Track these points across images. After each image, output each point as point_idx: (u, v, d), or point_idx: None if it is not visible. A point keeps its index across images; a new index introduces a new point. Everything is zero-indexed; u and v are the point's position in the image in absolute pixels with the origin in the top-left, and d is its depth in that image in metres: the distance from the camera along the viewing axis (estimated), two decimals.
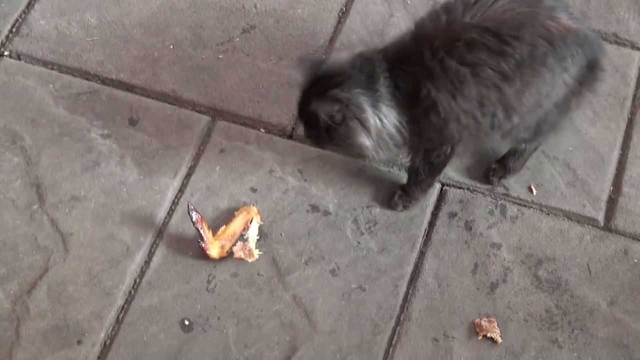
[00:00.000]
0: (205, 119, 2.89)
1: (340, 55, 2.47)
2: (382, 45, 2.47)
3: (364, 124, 2.34)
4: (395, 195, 2.70)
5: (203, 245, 2.60)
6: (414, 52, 2.30)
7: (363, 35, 3.04)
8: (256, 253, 2.62)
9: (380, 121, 2.34)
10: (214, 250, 2.61)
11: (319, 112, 2.34)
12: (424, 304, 2.59)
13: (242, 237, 2.64)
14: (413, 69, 2.30)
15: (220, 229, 2.64)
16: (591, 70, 2.38)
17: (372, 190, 2.76)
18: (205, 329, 2.55)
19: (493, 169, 2.72)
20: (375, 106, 2.33)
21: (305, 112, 2.43)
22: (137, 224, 2.70)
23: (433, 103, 2.30)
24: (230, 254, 2.62)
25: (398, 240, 2.67)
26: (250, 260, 2.61)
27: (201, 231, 2.60)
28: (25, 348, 2.52)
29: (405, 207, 2.69)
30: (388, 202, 2.71)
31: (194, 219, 2.60)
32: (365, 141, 2.37)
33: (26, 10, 3.11)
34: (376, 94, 2.33)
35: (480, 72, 2.24)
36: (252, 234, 2.64)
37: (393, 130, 2.38)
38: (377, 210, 2.71)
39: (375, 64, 2.35)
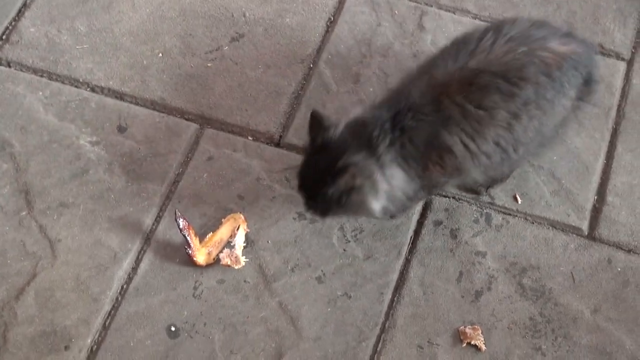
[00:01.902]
0: (193, 126, 2.90)
1: (354, 111, 2.47)
2: (385, 99, 2.47)
3: (374, 188, 2.37)
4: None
5: (190, 252, 2.61)
6: (426, 101, 2.33)
7: (351, 44, 3.06)
8: (243, 260, 2.64)
9: (388, 183, 2.38)
10: (200, 257, 2.62)
11: (338, 185, 2.34)
12: (409, 311, 2.60)
13: (229, 244, 2.66)
14: (426, 118, 2.33)
15: (207, 236, 2.66)
16: (587, 85, 2.47)
17: None
18: (191, 335, 2.56)
19: None
20: (382, 169, 2.36)
21: (311, 186, 2.44)
22: (124, 230, 2.71)
23: (448, 148, 2.33)
24: (217, 260, 2.64)
25: (384, 248, 2.69)
26: (236, 267, 2.63)
27: (188, 238, 2.62)
28: (12, 353, 2.53)
29: (392, 217, 2.70)
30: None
31: (181, 226, 2.62)
32: (376, 205, 2.41)
33: (16, 18, 3.12)
34: (380, 157, 2.35)
35: (496, 115, 2.31)
36: (239, 241, 2.65)
37: (402, 189, 2.41)
38: (363, 218, 2.73)
39: (376, 125, 2.35)
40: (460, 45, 2.41)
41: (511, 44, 2.33)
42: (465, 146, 2.33)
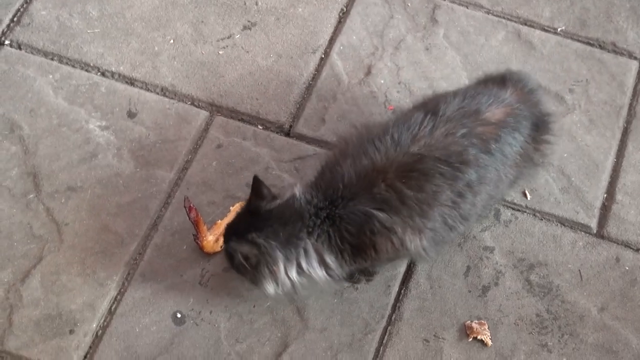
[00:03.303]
0: (203, 114, 2.90)
1: (292, 190, 2.42)
2: (321, 180, 2.42)
3: (273, 275, 2.36)
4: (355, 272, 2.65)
5: (198, 239, 2.61)
6: (363, 185, 2.31)
7: (363, 36, 3.05)
8: None
9: (293, 274, 2.36)
10: (208, 245, 2.62)
11: (236, 251, 2.34)
12: (416, 304, 2.60)
13: None
14: (360, 204, 2.31)
15: (215, 224, 2.65)
16: (540, 127, 2.47)
17: None
18: (197, 322, 2.56)
19: None
20: (289, 260, 2.34)
21: (227, 239, 2.44)
22: (132, 216, 2.71)
23: (387, 231, 2.31)
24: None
25: None
26: None
27: (197, 226, 2.61)
28: (17, 336, 2.53)
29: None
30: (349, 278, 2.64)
31: (190, 214, 2.61)
32: (270, 289, 2.39)
33: (28, 0, 3.11)
34: (299, 246, 2.33)
35: (439, 196, 2.31)
36: None
37: (311, 279, 2.38)
38: None
39: (305, 214, 2.34)
40: (402, 127, 2.36)
41: (449, 126, 2.32)
42: (403, 229, 2.31)
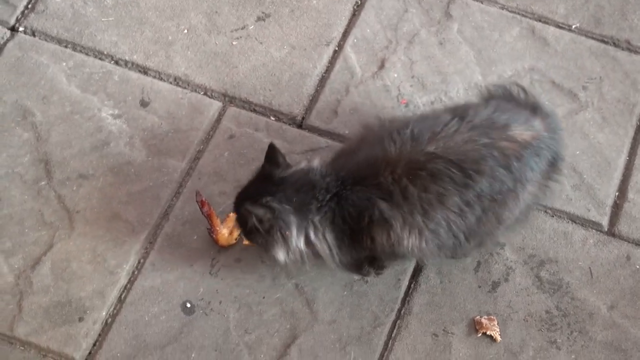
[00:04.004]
0: (216, 104, 2.90)
1: (310, 162, 2.45)
2: (338, 159, 2.48)
3: (285, 241, 2.37)
4: (365, 263, 2.63)
5: (212, 233, 2.61)
6: (371, 173, 2.33)
7: (377, 29, 3.05)
8: None
9: (301, 243, 2.38)
10: (222, 238, 2.61)
11: (251, 213, 2.35)
12: (425, 298, 2.60)
13: None
14: (366, 189, 2.33)
15: (228, 216, 2.65)
16: (554, 164, 2.45)
17: None
18: (206, 312, 2.56)
19: None
20: (300, 227, 2.36)
21: (237, 204, 2.47)
22: (143, 204, 2.71)
23: (385, 222, 2.31)
24: (239, 241, 2.63)
25: None
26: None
27: (210, 219, 2.61)
28: (26, 322, 2.53)
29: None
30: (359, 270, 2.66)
31: (202, 208, 2.61)
32: (280, 256, 2.40)
33: None
34: (309, 218, 2.36)
35: (445, 200, 2.29)
36: None
37: (316, 252, 2.40)
38: None
39: (318, 187, 2.36)
40: (424, 125, 2.36)
41: (472, 133, 2.31)
42: (406, 222, 2.31)
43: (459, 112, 2.38)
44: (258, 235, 2.39)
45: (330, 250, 2.39)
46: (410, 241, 2.33)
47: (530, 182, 2.37)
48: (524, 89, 2.59)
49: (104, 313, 2.56)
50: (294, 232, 2.35)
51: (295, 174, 2.41)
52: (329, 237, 2.38)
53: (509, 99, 2.56)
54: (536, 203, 2.55)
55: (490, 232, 2.44)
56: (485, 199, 2.30)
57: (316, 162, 2.43)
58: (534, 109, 2.48)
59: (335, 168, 2.41)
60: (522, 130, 2.34)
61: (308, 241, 2.37)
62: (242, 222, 2.43)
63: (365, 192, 2.32)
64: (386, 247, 2.36)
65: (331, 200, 2.35)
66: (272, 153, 2.43)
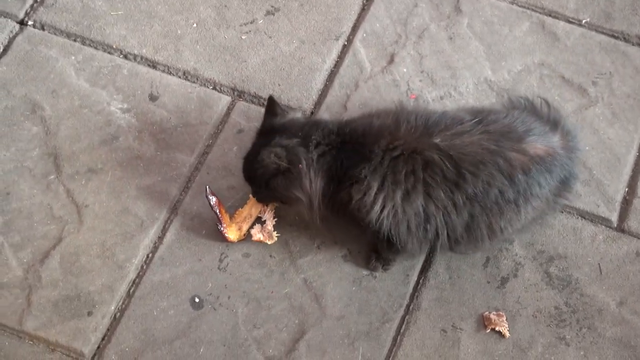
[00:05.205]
0: (225, 98, 2.89)
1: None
2: (347, 118, 2.54)
3: (299, 176, 2.39)
4: (372, 258, 2.64)
5: (222, 228, 2.61)
6: (371, 140, 2.36)
7: (386, 24, 3.04)
8: (275, 235, 2.64)
9: (310, 180, 2.40)
10: (232, 234, 2.62)
11: (269, 156, 2.38)
12: (434, 294, 2.59)
13: (259, 220, 2.65)
14: (361, 151, 2.36)
15: (237, 212, 2.65)
16: (566, 183, 2.44)
17: None
18: (215, 307, 2.56)
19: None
20: (308, 163, 2.39)
21: (248, 169, 2.52)
22: (152, 199, 2.71)
23: (364, 184, 2.33)
24: (249, 236, 2.63)
25: None
26: (269, 242, 2.63)
27: (219, 215, 2.61)
28: (35, 316, 2.53)
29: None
30: (366, 265, 2.65)
31: (212, 203, 2.61)
32: (300, 194, 2.42)
33: None
34: (310, 154, 2.40)
35: (431, 192, 2.31)
36: (270, 216, 2.65)
37: (317, 191, 2.43)
38: None
39: (318, 130, 2.42)
40: (441, 118, 2.37)
41: (483, 137, 2.31)
42: (383, 193, 2.33)
43: (479, 115, 2.38)
44: (279, 179, 2.41)
45: (316, 192, 2.42)
46: (382, 213, 2.34)
47: (536, 198, 2.36)
48: (547, 102, 2.56)
49: (112, 307, 2.56)
50: (304, 162, 2.38)
51: (299, 118, 2.52)
52: (320, 180, 2.40)
53: (532, 111, 2.53)
54: (543, 217, 2.55)
55: (483, 240, 2.41)
56: (476, 204, 2.31)
57: (321, 114, 2.56)
58: (556, 124, 2.46)
59: (342, 124, 2.46)
60: (537, 144, 2.33)
61: (310, 175, 2.41)
62: (259, 174, 2.45)
63: (359, 153, 2.35)
64: (359, 209, 2.37)
65: (330, 146, 2.40)
66: (271, 105, 2.51)
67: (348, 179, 2.36)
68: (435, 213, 2.32)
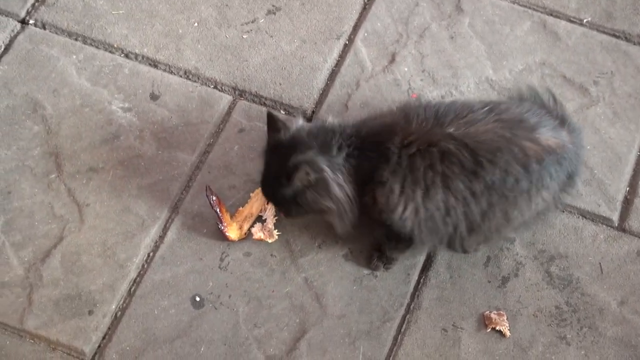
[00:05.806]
0: (226, 97, 2.89)
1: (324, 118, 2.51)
2: (357, 120, 2.51)
3: (326, 185, 2.37)
4: (374, 257, 2.64)
5: (222, 227, 2.61)
6: (386, 138, 2.34)
7: (387, 23, 3.04)
8: (275, 234, 2.64)
9: (338, 184, 2.38)
10: (232, 233, 2.62)
11: (294, 185, 2.37)
12: (435, 293, 2.60)
13: (259, 218, 2.65)
14: (377, 149, 2.35)
15: (237, 211, 2.65)
16: (570, 179, 2.43)
17: None
18: (216, 306, 2.56)
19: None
20: (332, 169, 2.37)
21: (271, 189, 2.49)
22: (153, 198, 2.71)
23: (390, 186, 2.33)
24: (249, 235, 2.64)
25: None
26: (270, 241, 2.63)
27: (220, 214, 2.61)
28: (36, 315, 2.54)
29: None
30: (368, 264, 2.65)
31: (212, 202, 2.61)
32: (330, 203, 2.40)
33: None
34: (333, 158, 2.37)
35: (449, 183, 2.30)
36: (270, 215, 2.65)
37: (348, 196, 2.41)
38: None
39: (336, 135, 2.39)
40: (452, 107, 2.37)
41: (497, 125, 2.31)
42: (404, 192, 2.32)
43: (492, 104, 2.38)
44: (307, 194, 2.39)
45: (347, 197, 2.40)
46: (405, 214, 2.34)
47: (547, 189, 2.36)
48: (554, 97, 2.56)
49: (113, 306, 2.56)
50: (327, 170, 2.36)
51: (303, 127, 2.46)
52: (348, 185, 2.39)
53: (540, 104, 2.53)
54: (547, 213, 2.53)
55: (496, 230, 2.42)
56: (494, 192, 2.30)
57: (330, 118, 2.50)
58: (562, 121, 2.45)
59: (355, 125, 2.45)
60: (549, 136, 2.33)
61: (336, 180, 2.39)
62: (287, 195, 2.42)
63: (378, 152, 2.34)
64: (383, 212, 2.37)
65: (351, 147, 2.38)
66: (272, 121, 2.47)
67: (370, 180, 2.36)
68: (455, 205, 2.32)
